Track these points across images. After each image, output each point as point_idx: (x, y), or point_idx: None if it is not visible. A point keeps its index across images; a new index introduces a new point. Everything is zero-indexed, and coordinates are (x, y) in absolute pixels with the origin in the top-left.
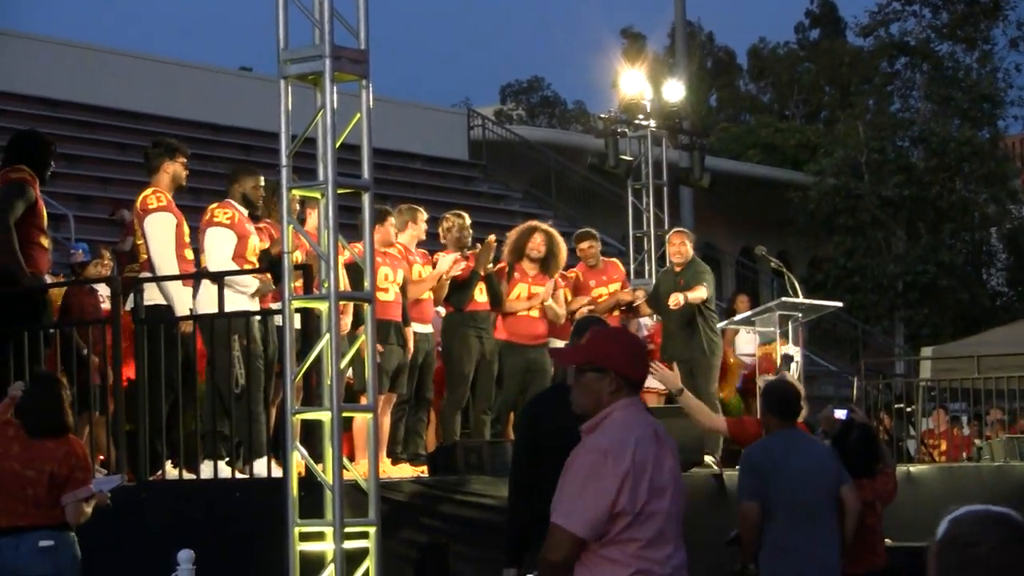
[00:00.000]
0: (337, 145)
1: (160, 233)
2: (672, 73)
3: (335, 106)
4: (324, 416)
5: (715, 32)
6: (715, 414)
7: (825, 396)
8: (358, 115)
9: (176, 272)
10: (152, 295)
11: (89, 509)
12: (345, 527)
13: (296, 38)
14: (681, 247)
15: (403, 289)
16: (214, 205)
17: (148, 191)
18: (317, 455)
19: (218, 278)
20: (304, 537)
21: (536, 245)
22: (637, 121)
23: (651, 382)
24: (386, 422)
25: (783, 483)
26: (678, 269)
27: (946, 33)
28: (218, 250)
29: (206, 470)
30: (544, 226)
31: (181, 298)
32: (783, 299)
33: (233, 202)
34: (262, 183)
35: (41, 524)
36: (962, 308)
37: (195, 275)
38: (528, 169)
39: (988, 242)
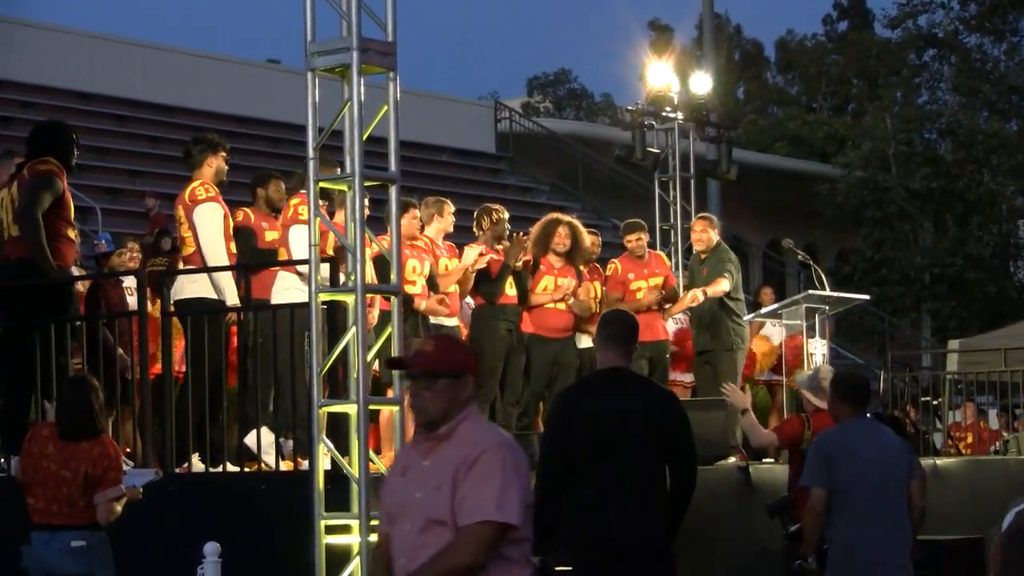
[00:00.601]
0: (364, 137)
1: (209, 223)
2: (699, 65)
3: (362, 98)
4: (351, 409)
5: (743, 24)
6: (765, 431)
7: None
8: (385, 107)
9: (227, 263)
10: (196, 288)
11: (119, 507)
12: (371, 520)
13: (324, 30)
14: (703, 234)
15: (430, 281)
16: (296, 201)
17: (196, 183)
18: (344, 448)
19: (247, 271)
20: (330, 530)
21: (561, 239)
22: (664, 113)
23: (677, 375)
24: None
25: (852, 472)
26: (703, 257)
27: (974, 25)
28: (302, 247)
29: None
30: (567, 218)
31: (232, 290)
32: (810, 292)
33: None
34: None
35: (74, 524)
36: (989, 301)
37: (221, 268)
38: (555, 161)
39: (1016, 235)
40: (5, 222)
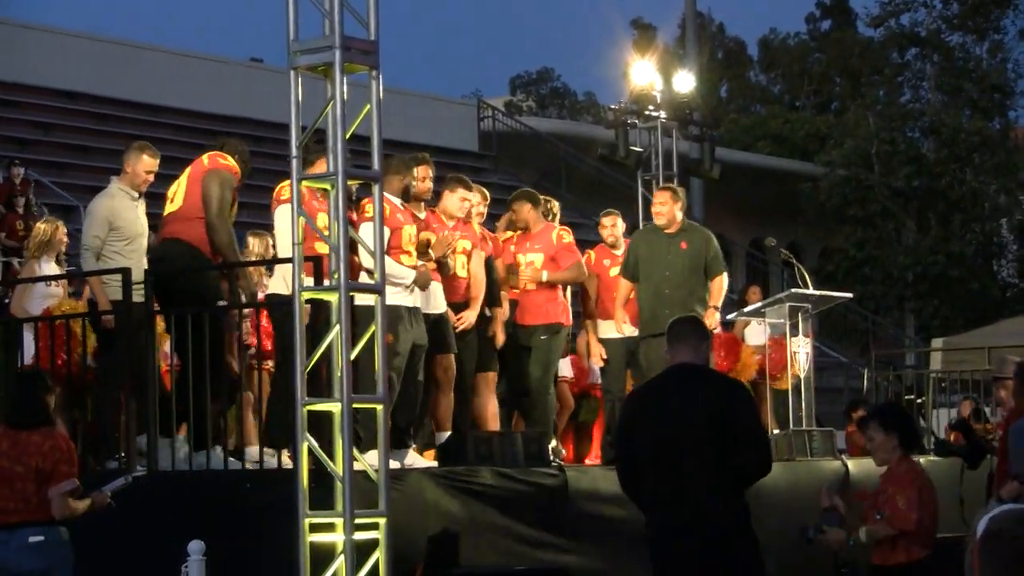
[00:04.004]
0: (347, 136)
1: (283, 224)
2: (682, 64)
3: (345, 97)
4: (334, 407)
5: (725, 23)
6: None
7: (835, 387)
8: (368, 106)
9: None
10: (278, 284)
11: (80, 505)
12: (355, 518)
13: (306, 29)
14: (663, 207)
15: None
16: (364, 200)
17: (285, 183)
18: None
19: (231, 269)
20: (314, 528)
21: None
22: (647, 112)
23: None
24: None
25: None
26: (671, 230)
27: (956, 23)
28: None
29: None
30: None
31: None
32: (793, 290)
33: (387, 194)
34: (428, 174)
35: (31, 520)
36: (972, 299)
37: (217, 266)
38: (538, 160)
39: (998, 233)
40: (169, 197)
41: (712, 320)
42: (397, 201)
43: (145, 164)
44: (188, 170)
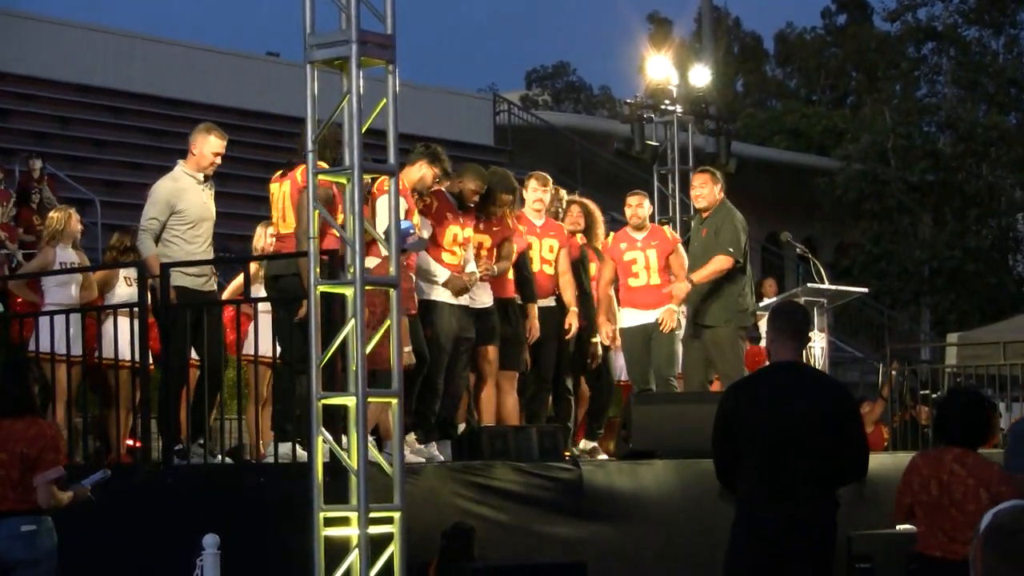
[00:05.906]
0: (363, 130)
1: (383, 214)
2: (699, 58)
3: (361, 91)
4: (349, 401)
5: (741, 17)
6: None
7: (850, 382)
8: (384, 100)
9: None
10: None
11: (65, 497)
12: (370, 512)
13: (323, 23)
14: (703, 188)
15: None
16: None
17: (382, 176)
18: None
19: (246, 263)
20: (329, 522)
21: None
22: (663, 106)
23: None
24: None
25: None
26: (704, 215)
27: (973, 18)
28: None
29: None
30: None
31: None
32: (808, 285)
33: (443, 191)
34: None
35: (21, 509)
36: (989, 294)
37: (213, 261)
38: (554, 154)
39: (1015, 228)
40: (274, 218)
41: (675, 288)
42: (450, 199)
43: (212, 145)
44: (288, 188)
